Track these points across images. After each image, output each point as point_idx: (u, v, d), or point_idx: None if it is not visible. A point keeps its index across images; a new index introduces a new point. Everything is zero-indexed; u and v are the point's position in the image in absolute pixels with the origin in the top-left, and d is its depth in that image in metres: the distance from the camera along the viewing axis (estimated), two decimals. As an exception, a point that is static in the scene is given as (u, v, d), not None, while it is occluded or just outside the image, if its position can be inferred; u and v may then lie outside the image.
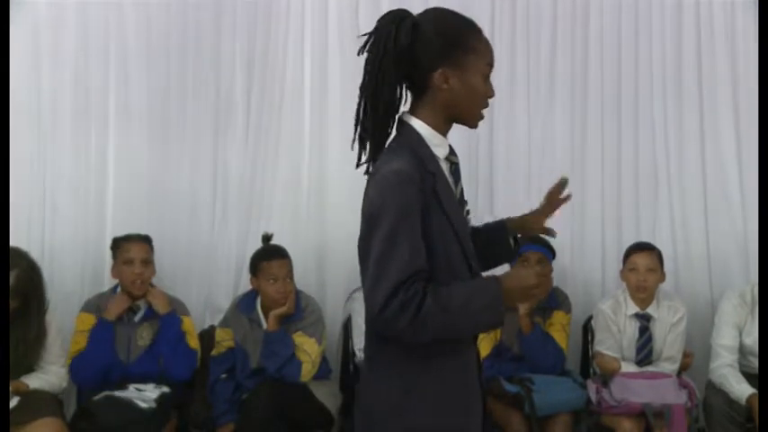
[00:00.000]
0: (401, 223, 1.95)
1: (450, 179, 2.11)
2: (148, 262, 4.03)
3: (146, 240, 4.07)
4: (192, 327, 4.09)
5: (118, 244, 4.04)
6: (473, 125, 2.15)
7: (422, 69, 2.07)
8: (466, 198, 2.20)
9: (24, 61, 4.32)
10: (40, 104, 4.39)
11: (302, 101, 4.56)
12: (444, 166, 2.10)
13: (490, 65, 2.13)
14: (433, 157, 2.07)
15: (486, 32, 4.72)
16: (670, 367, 4.04)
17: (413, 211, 1.97)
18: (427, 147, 2.07)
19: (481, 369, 2.19)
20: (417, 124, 2.09)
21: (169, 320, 3.99)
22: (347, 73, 4.39)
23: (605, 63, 4.62)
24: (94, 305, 4.01)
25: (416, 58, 2.06)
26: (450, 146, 2.13)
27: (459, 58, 2.07)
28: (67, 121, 4.42)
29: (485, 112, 2.15)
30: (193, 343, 4.04)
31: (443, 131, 2.11)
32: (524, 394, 3.91)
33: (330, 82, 4.52)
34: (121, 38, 4.46)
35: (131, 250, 3.99)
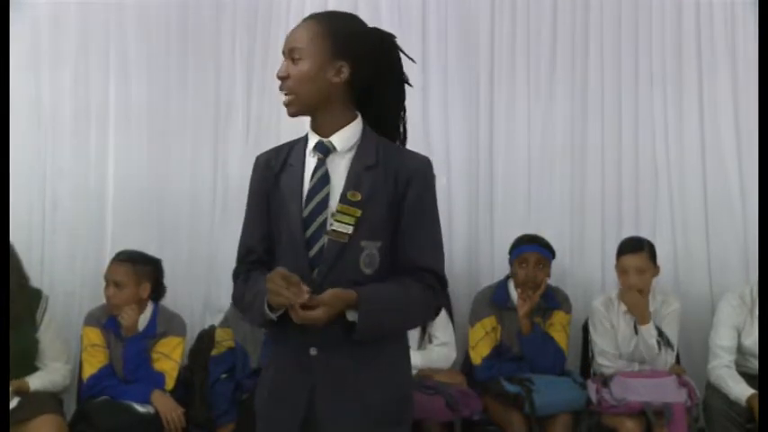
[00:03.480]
0: (247, 206, 2.26)
1: (310, 172, 2.15)
2: (122, 285, 3.83)
3: (129, 261, 3.87)
4: (174, 347, 3.93)
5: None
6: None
7: None
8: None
9: (24, 62, 4.31)
10: (40, 105, 4.38)
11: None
12: (312, 160, 2.16)
13: (284, 50, 2.17)
14: (303, 151, 2.18)
15: (486, 32, 4.75)
16: (666, 358, 4.04)
17: (252, 194, 2.26)
18: (306, 142, 2.19)
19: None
20: None
21: (130, 342, 3.85)
22: None
23: (605, 63, 4.62)
24: (96, 318, 3.93)
25: None
26: (319, 142, 2.15)
27: None
28: (67, 122, 4.40)
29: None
30: (163, 365, 3.88)
31: (313, 127, 2.19)
32: (524, 394, 3.91)
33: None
34: (122, 38, 4.46)
35: (109, 270, 3.88)
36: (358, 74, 2.13)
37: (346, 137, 2.14)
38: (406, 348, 2.30)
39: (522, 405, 3.89)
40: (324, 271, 2.07)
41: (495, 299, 4.20)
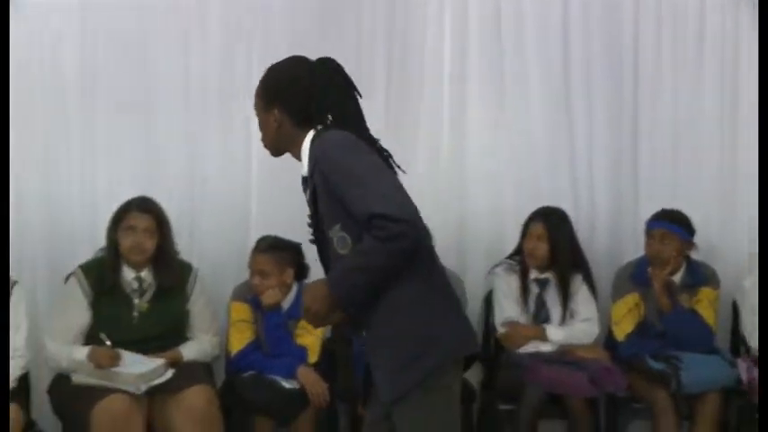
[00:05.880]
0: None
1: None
2: (267, 274, 3.95)
3: (271, 250, 3.96)
4: None
5: None
6: None
7: None
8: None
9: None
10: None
11: (440, 88, 4.51)
12: None
13: None
14: None
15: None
16: None
17: None
18: None
19: None
20: None
21: (268, 317, 3.95)
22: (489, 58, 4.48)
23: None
24: (242, 293, 4.04)
25: None
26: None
27: None
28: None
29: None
30: (305, 340, 3.96)
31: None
32: (671, 372, 3.84)
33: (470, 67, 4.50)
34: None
35: (253, 261, 3.99)
36: (291, 108, 2.40)
37: (303, 158, 2.41)
38: (411, 306, 2.34)
39: (668, 383, 3.83)
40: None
41: (635, 275, 4.16)
